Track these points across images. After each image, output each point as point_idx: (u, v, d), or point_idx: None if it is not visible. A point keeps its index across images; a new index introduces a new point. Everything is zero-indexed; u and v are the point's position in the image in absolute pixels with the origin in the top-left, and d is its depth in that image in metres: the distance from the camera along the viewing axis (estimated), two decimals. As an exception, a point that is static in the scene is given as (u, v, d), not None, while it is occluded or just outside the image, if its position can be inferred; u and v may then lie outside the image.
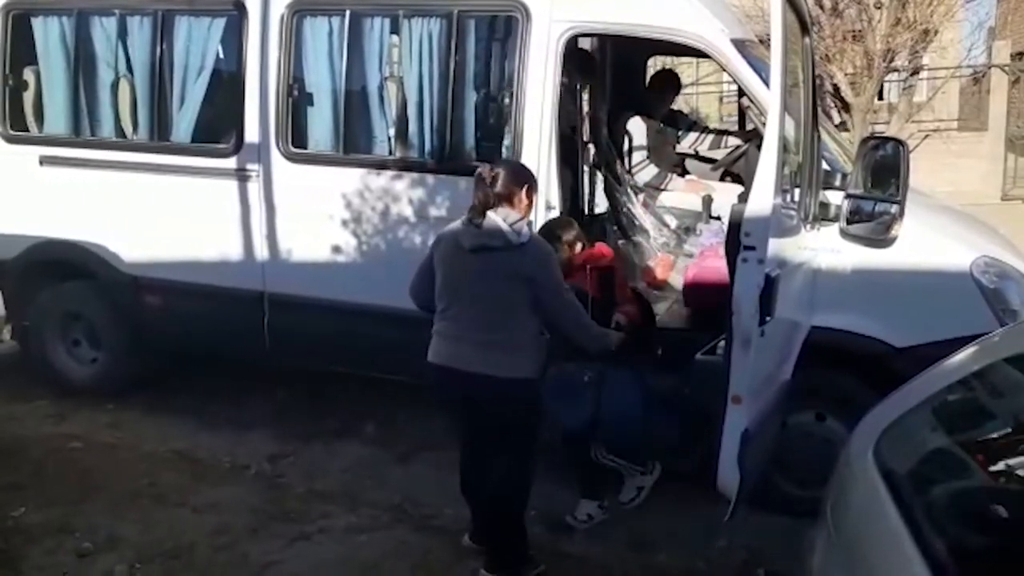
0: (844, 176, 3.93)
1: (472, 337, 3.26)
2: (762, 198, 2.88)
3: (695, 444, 3.63)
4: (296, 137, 4.59)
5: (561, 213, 4.17)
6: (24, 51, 5.10)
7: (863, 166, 3.78)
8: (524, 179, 3.36)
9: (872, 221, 3.72)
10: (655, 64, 6.52)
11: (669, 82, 5.59)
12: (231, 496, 4.10)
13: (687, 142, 5.49)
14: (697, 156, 5.65)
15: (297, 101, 4.57)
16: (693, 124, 5.84)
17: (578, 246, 3.84)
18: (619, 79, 5.64)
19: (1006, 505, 1.99)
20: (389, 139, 4.54)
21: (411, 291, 3.50)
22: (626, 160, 5.16)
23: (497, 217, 3.20)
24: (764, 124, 3.18)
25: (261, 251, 4.70)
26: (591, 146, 4.96)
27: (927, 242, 3.84)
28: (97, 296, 5.14)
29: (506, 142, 4.23)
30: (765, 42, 3.43)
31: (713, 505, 3.16)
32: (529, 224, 3.32)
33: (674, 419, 3.71)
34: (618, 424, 3.62)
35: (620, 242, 5.01)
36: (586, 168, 4.90)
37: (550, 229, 3.79)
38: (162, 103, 4.82)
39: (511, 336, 3.24)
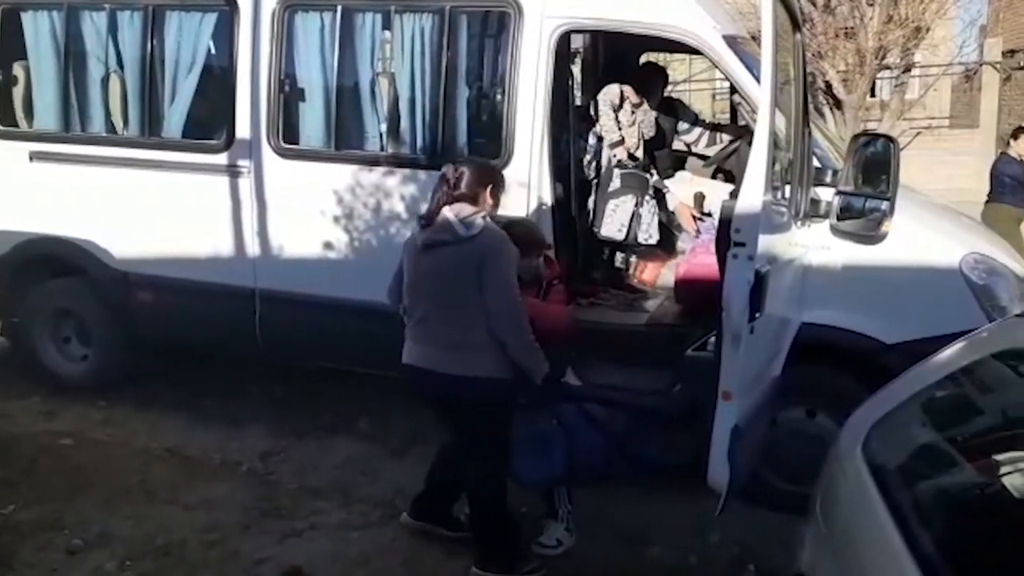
0: (835, 172, 3.94)
1: (434, 336, 3.27)
2: (752, 195, 2.88)
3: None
4: (287, 133, 4.58)
5: (552, 209, 4.17)
6: (14, 46, 5.07)
7: (854, 163, 3.79)
8: (488, 179, 3.34)
9: (863, 218, 3.74)
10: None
11: (656, 73, 5.58)
12: (222, 493, 4.10)
13: (688, 138, 5.47)
14: (691, 152, 5.65)
15: (288, 97, 4.56)
16: (697, 117, 5.82)
17: (554, 264, 3.75)
18: (611, 76, 5.62)
19: (994, 501, 2.00)
20: (381, 135, 4.54)
21: (389, 293, 3.50)
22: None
23: (449, 213, 3.20)
24: (755, 121, 3.19)
25: (252, 247, 4.69)
26: (584, 142, 4.96)
27: (917, 238, 3.86)
28: (88, 292, 5.11)
29: (498, 138, 4.21)
30: (757, 39, 3.42)
31: (705, 500, 3.17)
32: (484, 218, 3.23)
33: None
34: (585, 470, 3.52)
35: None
36: (579, 163, 4.90)
37: (531, 236, 3.59)
38: (153, 99, 4.81)
39: (470, 335, 3.20)
